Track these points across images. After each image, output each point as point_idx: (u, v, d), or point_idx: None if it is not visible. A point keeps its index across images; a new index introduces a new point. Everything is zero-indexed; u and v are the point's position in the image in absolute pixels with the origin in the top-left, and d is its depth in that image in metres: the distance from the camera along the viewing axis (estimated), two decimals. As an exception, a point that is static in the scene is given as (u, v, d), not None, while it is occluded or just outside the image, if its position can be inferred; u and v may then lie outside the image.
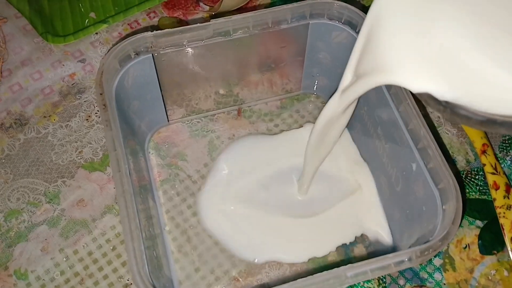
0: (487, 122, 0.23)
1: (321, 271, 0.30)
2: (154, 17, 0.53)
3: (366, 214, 0.42)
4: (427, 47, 0.25)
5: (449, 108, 0.24)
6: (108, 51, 0.39)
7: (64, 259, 0.40)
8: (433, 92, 0.24)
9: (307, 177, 0.41)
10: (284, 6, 0.39)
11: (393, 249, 0.40)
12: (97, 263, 0.40)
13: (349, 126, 0.44)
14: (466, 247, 0.40)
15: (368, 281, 0.39)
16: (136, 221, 0.32)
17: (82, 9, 0.53)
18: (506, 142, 0.45)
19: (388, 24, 0.27)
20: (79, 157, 0.44)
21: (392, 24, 0.27)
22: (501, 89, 0.23)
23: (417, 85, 0.25)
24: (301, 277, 0.30)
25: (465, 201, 0.42)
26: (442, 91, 0.24)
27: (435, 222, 0.33)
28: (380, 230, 0.41)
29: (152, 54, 0.39)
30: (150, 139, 0.46)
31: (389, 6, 0.27)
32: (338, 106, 0.34)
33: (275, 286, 0.29)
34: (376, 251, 0.41)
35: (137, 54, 0.38)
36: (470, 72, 0.23)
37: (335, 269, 0.30)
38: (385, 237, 0.41)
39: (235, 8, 0.52)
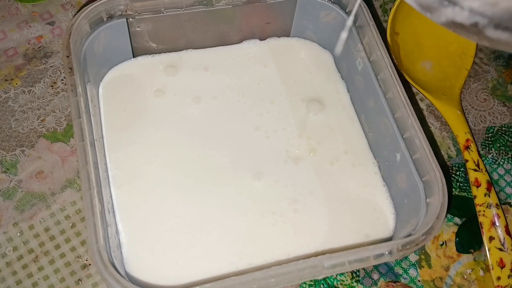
0: None
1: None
2: (131, -16, 0.49)
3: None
4: None
5: (480, 31, 0.20)
6: (78, 11, 0.36)
7: (18, 234, 0.37)
8: None
9: None
10: (273, -22, 0.37)
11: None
12: (54, 240, 0.37)
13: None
14: (443, 244, 0.39)
15: (341, 273, 0.37)
16: (99, 196, 0.30)
17: (55, -32, 0.49)
18: (489, 139, 0.44)
19: None
20: (41, 126, 0.41)
21: None
22: None
23: None
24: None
25: (451, 195, 0.40)
26: None
27: (418, 216, 0.32)
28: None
29: (127, 19, 0.36)
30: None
31: None
32: None
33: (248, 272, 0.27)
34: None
35: (110, 17, 0.35)
36: None
37: (312, 258, 0.28)
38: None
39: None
